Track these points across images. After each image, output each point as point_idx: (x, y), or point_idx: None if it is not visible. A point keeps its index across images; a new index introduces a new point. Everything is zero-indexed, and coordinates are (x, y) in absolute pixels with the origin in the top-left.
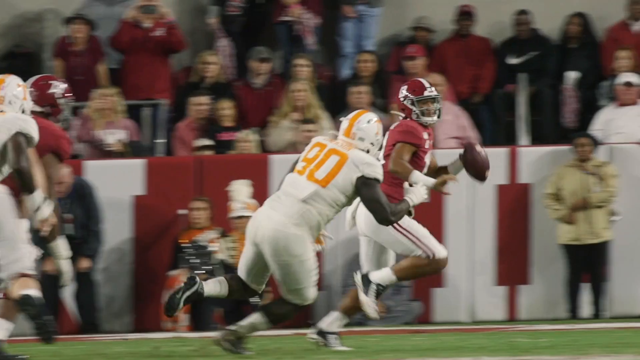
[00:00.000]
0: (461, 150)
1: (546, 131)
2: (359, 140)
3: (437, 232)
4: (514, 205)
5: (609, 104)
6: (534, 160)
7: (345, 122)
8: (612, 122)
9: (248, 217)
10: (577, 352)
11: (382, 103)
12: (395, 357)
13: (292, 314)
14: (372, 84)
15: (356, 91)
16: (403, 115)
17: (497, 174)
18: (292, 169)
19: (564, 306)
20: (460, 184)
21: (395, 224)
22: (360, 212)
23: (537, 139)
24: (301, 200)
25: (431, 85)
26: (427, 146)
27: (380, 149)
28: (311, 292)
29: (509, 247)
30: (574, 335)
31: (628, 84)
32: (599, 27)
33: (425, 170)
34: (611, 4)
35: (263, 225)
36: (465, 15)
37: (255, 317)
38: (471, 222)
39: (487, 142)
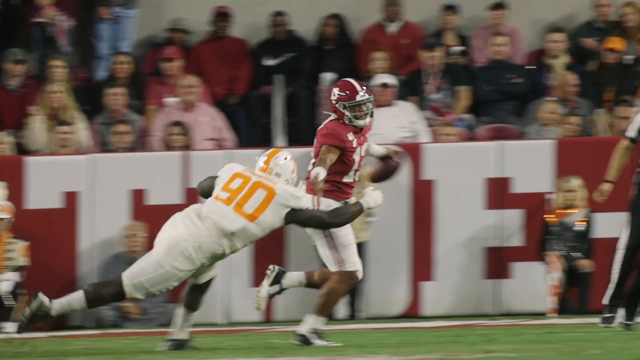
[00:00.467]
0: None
1: (302, 132)
2: (276, 176)
3: None
4: None
5: None
6: None
7: (262, 158)
8: None
9: (2, 219)
10: (332, 353)
11: (138, 105)
12: (151, 359)
13: (110, 299)
14: (128, 85)
15: (112, 93)
16: (335, 116)
17: None
18: (203, 192)
19: None
20: None
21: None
22: None
23: (293, 140)
24: (228, 232)
25: (362, 87)
26: (355, 145)
27: (296, 184)
28: (137, 293)
29: (266, 249)
30: (329, 335)
31: (384, 85)
32: (354, 28)
33: (356, 166)
34: (366, 6)
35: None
36: (222, 16)
37: (76, 295)
38: None
39: (243, 143)
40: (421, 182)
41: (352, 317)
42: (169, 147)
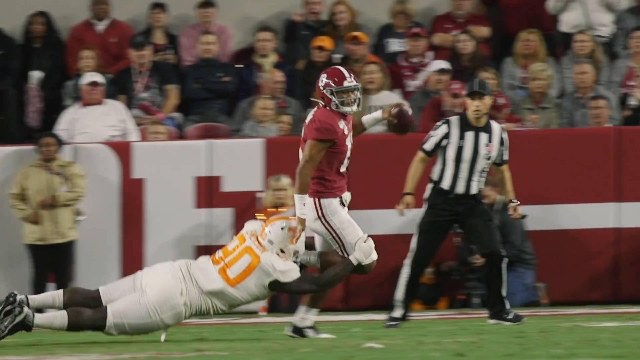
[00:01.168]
0: (391, 109)
1: (11, 131)
2: (268, 243)
3: None
4: None
5: (73, 103)
6: None
7: (260, 222)
8: (77, 122)
9: None
10: (45, 351)
11: None
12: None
13: (88, 327)
14: None
15: None
16: (323, 103)
17: None
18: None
19: None
20: None
21: (327, 224)
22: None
23: (2, 139)
24: (205, 291)
25: (350, 74)
26: (346, 132)
27: (295, 255)
28: (115, 331)
29: None
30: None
31: (92, 84)
32: (62, 26)
33: (349, 153)
34: (74, 4)
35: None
36: None
37: (60, 315)
38: None
39: None
40: (131, 181)
41: None
42: None
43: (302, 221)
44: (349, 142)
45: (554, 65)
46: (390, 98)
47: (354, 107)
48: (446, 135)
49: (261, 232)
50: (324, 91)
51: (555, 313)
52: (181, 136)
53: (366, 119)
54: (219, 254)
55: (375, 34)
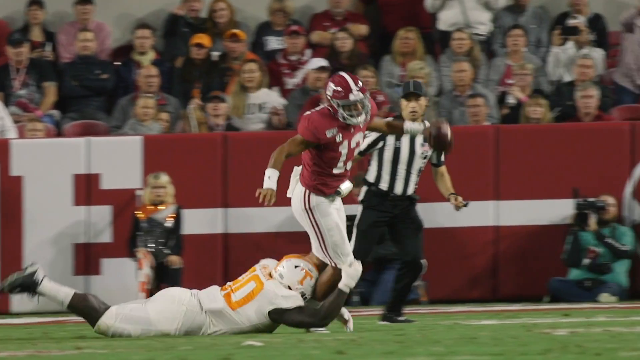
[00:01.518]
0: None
1: None
2: (279, 276)
3: None
4: None
5: None
6: None
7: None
8: None
9: None
10: None
11: None
12: None
13: (85, 315)
14: None
15: None
16: (327, 106)
17: None
18: None
19: None
20: None
21: (313, 220)
22: (294, 194)
23: None
24: (205, 309)
25: (357, 83)
26: (339, 140)
27: (304, 297)
28: (109, 331)
29: None
30: None
31: None
32: None
33: (344, 157)
34: None
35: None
36: None
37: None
38: None
39: None
40: (9, 179)
41: None
42: None
43: (269, 191)
44: (344, 149)
45: (432, 63)
46: (269, 96)
47: (360, 119)
48: (381, 137)
49: (275, 267)
50: (331, 101)
51: (434, 311)
52: (59, 133)
53: (408, 127)
54: (228, 283)
55: (253, 31)
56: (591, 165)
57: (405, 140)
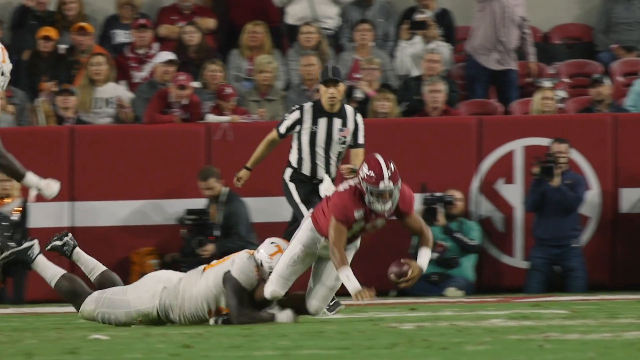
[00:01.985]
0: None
1: None
2: (260, 265)
3: None
4: None
5: None
6: None
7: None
8: None
9: None
10: None
11: None
12: None
13: (68, 298)
14: None
15: None
16: (358, 183)
17: None
18: None
19: None
20: None
21: (298, 233)
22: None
23: None
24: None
25: (390, 171)
26: (359, 220)
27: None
28: (88, 316)
29: None
30: None
31: None
32: None
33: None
34: None
35: None
36: None
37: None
38: None
39: None
40: None
41: None
42: None
43: (364, 292)
44: (357, 226)
45: (280, 57)
46: (116, 90)
47: (386, 207)
48: (299, 121)
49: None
50: (362, 182)
51: None
52: None
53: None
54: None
55: (101, 24)
56: (439, 160)
57: (322, 125)
